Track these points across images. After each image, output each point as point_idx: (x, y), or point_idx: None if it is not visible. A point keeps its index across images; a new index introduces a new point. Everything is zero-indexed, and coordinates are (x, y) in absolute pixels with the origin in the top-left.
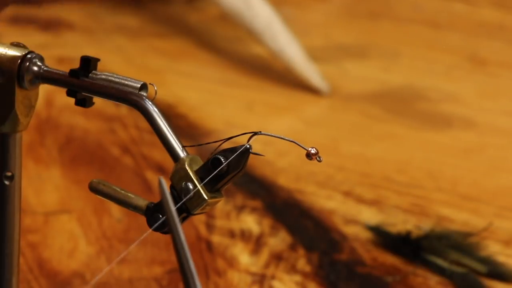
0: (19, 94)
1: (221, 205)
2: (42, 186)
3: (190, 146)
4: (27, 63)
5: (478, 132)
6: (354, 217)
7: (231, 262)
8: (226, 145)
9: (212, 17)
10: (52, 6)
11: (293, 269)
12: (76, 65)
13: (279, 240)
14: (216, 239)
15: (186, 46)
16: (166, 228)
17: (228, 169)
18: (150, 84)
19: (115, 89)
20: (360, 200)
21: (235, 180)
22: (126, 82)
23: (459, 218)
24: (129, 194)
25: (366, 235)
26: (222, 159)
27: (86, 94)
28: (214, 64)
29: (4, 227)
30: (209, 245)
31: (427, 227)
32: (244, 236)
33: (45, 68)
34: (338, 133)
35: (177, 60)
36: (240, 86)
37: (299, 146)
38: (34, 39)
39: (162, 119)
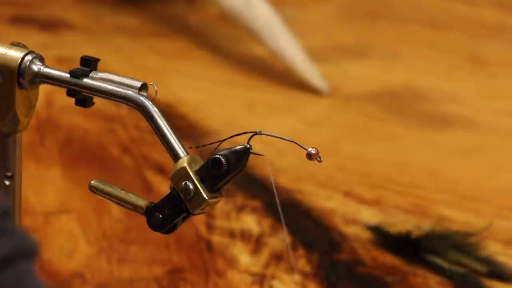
0: (19, 94)
1: (221, 205)
2: (42, 186)
3: (195, 147)
4: (27, 63)
5: (478, 132)
6: (354, 217)
7: (231, 262)
8: (226, 145)
9: (212, 17)
10: (52, 6)
11: (293, 269)
12: (76, 65)
13: (279, 240)
14: (216, 239)
15: (186, 46)
16: (166, 228)
17: (228, 169)
18: (150, 84)
19: (115, 89)
20: (360, 200)
21: (235, 180)
22: (126, 82)
23: (459, 218)
24: (129, 194)
25: (366, 235)
26: (222, 159)
27: (86, 94)
28: (214, 64)
29: None
30: (209, 245)
31: (427, 227)
32: (244, 236)
33: (45, 68)
34: (338, 133)
35: (177, 60)
36: (240, 86)
37: (299, 146)
38: (34, 39)
39: (162, 119)
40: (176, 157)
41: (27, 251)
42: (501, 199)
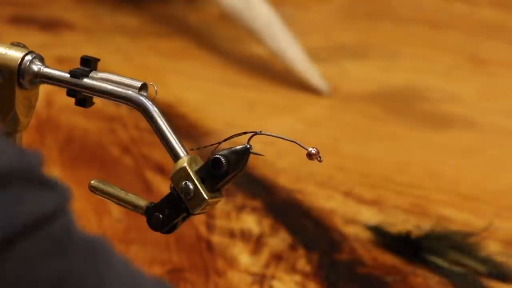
0: (19, 94)
1: (221, 205)
2: None
3: (196, 149)
4: (27, 63)
5: (478, 132)
6: (354, 217)
7: (231, 262)
8: (226, 145)
9: (212, 17)
10: (52, 6)
11: (293, 269)
12: (76, 65)
13: (279, 240)
14: (216, 239)
15: (186, 46)
16: (166, 228)
17: (228, 169)
18: (150, 84)
19: (115, 89)
20: (360, 200)
21: (235, 180)
22: (126, 82)
23: (459, 218)
24: (129, 194)
25: (366, 235)
26: (222, 159)
27: (86, 94)
28: (214, 64)
29: None
30: (209, 245)
31: (427, 227)
32: (244, 236)
33: (45, 68)
34: (338, 133)
35: (177, 60)
36: (240, 86)
37: (299, 146)
38: (34, 39)
39: (162, 119)
40: (176, 157)
41: (67, 200)
42: (501, 199)
